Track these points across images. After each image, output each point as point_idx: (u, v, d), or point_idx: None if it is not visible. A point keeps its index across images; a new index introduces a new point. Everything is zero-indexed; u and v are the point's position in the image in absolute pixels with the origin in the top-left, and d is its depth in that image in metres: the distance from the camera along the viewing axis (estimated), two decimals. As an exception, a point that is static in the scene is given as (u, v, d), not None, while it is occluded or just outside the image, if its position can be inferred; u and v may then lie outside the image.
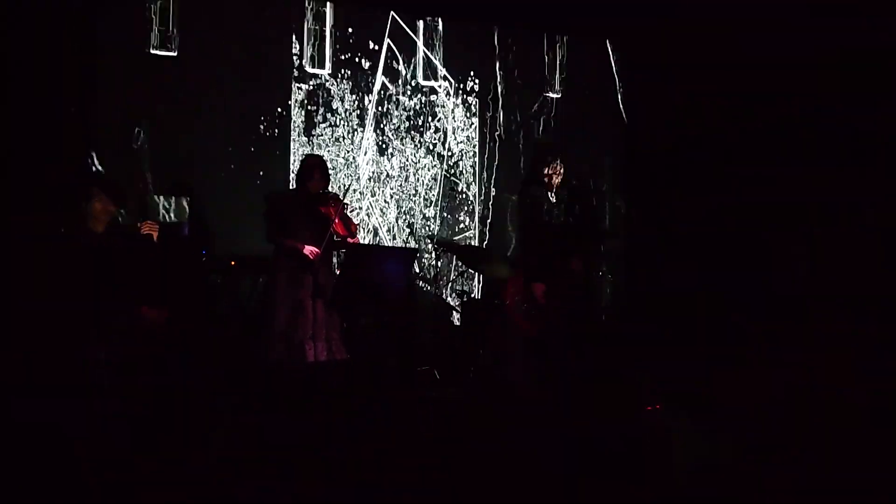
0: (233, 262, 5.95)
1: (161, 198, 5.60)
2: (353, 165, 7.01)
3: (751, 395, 4.73)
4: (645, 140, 7.58)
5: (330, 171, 5.63)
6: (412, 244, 7.16)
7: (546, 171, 5.32)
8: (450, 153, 7.42)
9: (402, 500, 3.59)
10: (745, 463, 3.82)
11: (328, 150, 6.89)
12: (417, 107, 7.31)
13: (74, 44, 5.84)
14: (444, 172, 7.38)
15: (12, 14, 5.55)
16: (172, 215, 5.61)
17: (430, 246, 6.97)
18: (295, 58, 6.87)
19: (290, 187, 6.25)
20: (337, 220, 5.15)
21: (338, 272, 5.52)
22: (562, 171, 5.33)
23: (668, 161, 7.14)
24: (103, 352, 4.44)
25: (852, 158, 5.73)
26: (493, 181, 7.52)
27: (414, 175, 7.28)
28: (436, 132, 7.37)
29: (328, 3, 6.97)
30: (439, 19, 7.38)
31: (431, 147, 7.36)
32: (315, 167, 5.27)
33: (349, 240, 5.31)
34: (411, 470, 3.91)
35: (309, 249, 5.11)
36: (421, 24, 7.33)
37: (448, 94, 7.40)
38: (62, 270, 4.48)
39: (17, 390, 4.08)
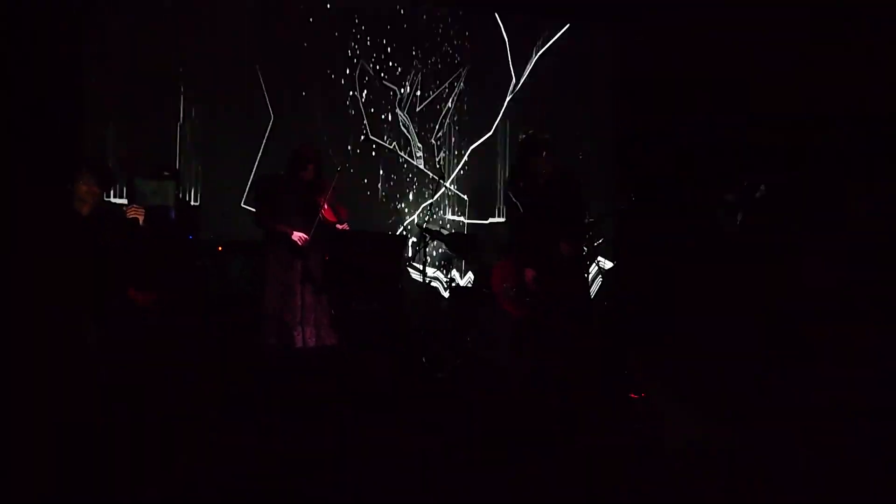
0: (220, 248, 5.92)
1: (147, 181, 5.53)
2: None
3: (743, 384, 4.77)
4: (638, 136, 7.59)
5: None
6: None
7: (534, 162, 5.34)
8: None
9: (395, 488, 3.58)
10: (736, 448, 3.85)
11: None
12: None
13: (63, 23, 5.77)
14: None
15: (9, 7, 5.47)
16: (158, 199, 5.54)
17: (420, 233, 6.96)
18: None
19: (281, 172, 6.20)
20: (326, 207, 5.14)
21: (327, 258, 5.50)
22: (550, 161, 5.35)
23: (659, 155, 7.16)
24: (93, 333, 4.39)
25: (852, 160, 5.77)
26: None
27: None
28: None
29: None
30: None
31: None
32: (309, 160, 5.22)
33: (338, 226, 5.29)
34: (402, 457, 3.91)
35: (298, 235, 5.09)
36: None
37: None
38: (48, 252, 4.42)
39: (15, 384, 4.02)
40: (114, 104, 6.25)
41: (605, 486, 3.61)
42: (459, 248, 6.77)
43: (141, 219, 4.68)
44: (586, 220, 5.58)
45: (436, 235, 6.79)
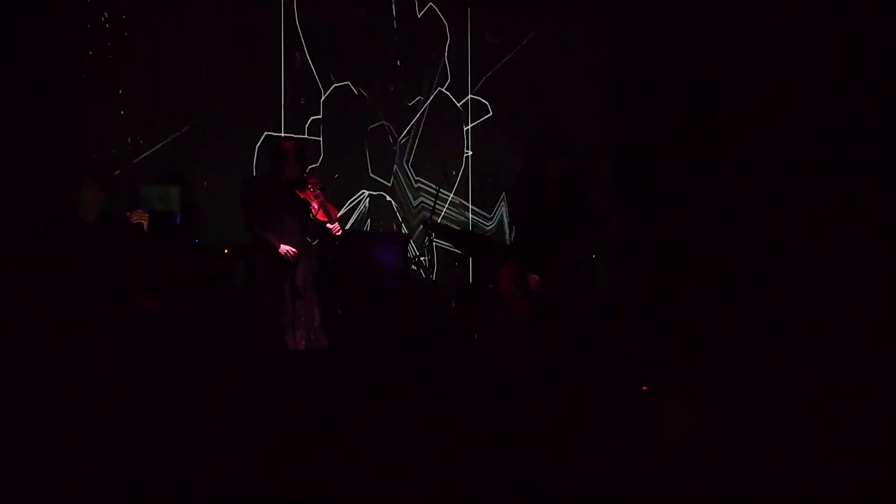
0: (226, 250, 5.94)
1: (152, 187, 5.58)
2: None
3: (740, 376, 4.75)
4: (639, 133, 7.55)
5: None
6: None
7: (544, 163, 5.35)
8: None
9: (399, 487, 3.59)
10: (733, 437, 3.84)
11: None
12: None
13: (67, 32, 5.82)
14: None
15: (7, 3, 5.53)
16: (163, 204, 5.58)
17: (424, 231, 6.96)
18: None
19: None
20: (317, 208, 5.10)
21: (324, 259, 5.49)
22: (559, 162, 5.36)
23: (662, 154, 7.13)
24: (100, 341, 4.43)
25: (847, 160, 5.72)
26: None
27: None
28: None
29: None
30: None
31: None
32: (289, 152, 5.16)
33: (328, 226, 5.24)
34: (408, 456, 3.91)
35: (284, 249, 5.05)
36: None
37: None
38: (54, 259, 4.47)
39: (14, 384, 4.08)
40: (118, 110, 6.28)
41: (607, 483, 3.61)
42: (472, 250, 6.75)
43: (145, 224, 4.71)
44: (596, 217, 5.58)
45: (446, 235, 6.78)
